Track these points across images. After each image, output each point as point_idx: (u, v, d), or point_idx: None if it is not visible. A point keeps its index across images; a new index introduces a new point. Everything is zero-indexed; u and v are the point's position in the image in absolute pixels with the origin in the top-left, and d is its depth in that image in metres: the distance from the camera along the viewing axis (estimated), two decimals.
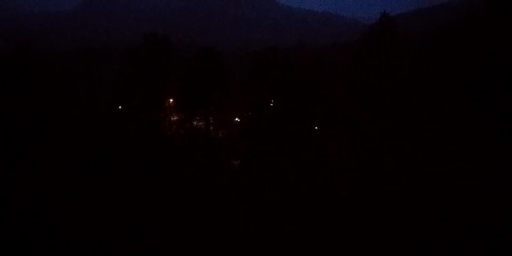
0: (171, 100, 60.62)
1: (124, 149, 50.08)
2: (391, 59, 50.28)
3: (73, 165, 46.67)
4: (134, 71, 56.90)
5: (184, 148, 53.72)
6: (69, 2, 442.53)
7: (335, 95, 52.84)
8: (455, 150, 42.85)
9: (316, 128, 52.61)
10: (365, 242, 32.06)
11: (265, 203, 39.39)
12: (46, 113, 53.96)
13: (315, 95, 52.18)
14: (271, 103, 56.06)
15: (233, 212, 37.58)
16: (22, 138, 50.03)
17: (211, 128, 57.66)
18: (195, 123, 58.69)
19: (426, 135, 47.35)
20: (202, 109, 56.69)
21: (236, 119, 58.85)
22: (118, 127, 55.08)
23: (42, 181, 42.37)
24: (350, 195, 40.40)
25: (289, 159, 48.24)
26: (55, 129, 52.08)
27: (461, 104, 45.60)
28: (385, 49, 50.37)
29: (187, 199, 40.77)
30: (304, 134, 50.12)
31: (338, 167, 45.77)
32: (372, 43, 52.58)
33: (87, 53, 76.97)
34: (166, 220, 35.91)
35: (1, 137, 49.46)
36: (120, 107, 58.02)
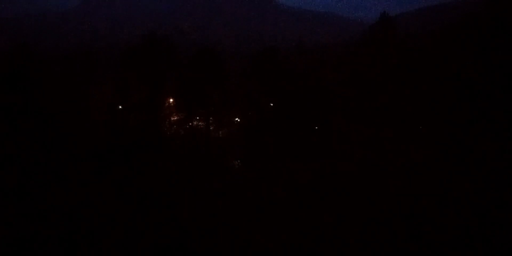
0: (171, 100, 60.66)
1: (124, 149, 50.07)
2: (391, 59, 50.31)
3: (73, 165, 46.67)
4: (134, 71, 56.96)
5: (184, 148, 53.71)
6: (69, 2, 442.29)
7: (335, 95, 52.83)
8: (455, 149, 42.88)
9: (316, 128, 52.61)
10: (367, 242, 32.10)
11: (266, 203, 39.38)
12: (45, 113, 53.98)
13: (315, 95, 52.15)
14: (271, 103, 56.03)
15: (234, 212, 37.57)
16: (21, 138, 50.04)
17: (211, 128, 57.63)
18: (195, 123, 58.69)
19: (426, 134, 47.38)
20: (202, 109, 56.69)
21: (236, 119, 58.83)
22: (118, 127, 55.11)
23: (40, 181, 42.38)
24: (351, 194, 40.43)
25: (289, 159, 48.23)
26: (55, 129, 52.10)
27: (461, 103, 45.60)
28: (385, 49, 50.40)
29: (187, 199, 40.74)
30: (304, 134, 50.11)
31: (339, 166, 45.80)
32: (372, 43, 52.61)
33: (87, 53, 76.94)
34: (167, 220, 35.90)
35: (1, 137, 49.52)
36: (120, 107, 58.02)
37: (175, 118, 59.43)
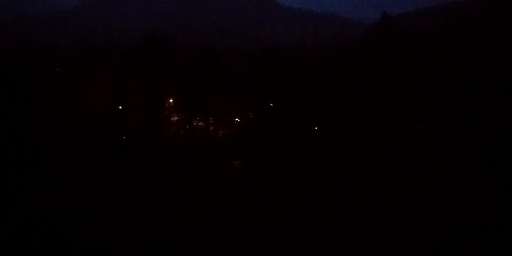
0: (171, 100, 60.61)
1: (123, 149, 50.03)
2: (391, 59, 50.23)
3: (73, 165, 46.59)
4: (134, 71, 56.90)
5: (184, 149, 53.65)
6: (69, 2, 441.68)
7: (335, 95, 52.76)
8: (456, 149, 42.83)
9: (316, 128, 52.55)
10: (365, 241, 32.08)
11: (266, 203, 39.36)
12: (45, 113, 53.89)
13: (315, 95, 52.08)
14: (271, 103, 55.97)
15: (234, 212, 37.55)
16: (21, 138, 49.97)
17: (211, 128, 57.58)
18: (195, 123, 58.63)
19: (427, 134, 47.31)
20: (202, 110, 56.64)
21: (236, 119, 58.76)
22: (117, 127, 55.04)
23: (40, 181, 42.29)
24: (351, 194, 40.41)
25: (289, 159, 48.15)
26: (55, 129, 52.03)
27: (461, 103, 45.56)
28: (386, 49, 50.33)
29: (188, 199, 40.69)
30: (304, 134, 50.04)
31: (339, 167, 45.75)
32: (372, 43, 52.55)
33: (87, 53, 76.83)
34: (167, 221, 35.87)
35: (1, 137, 49.44)
36: (120, 107, 57.97)
37: (175, 119, 59.38)
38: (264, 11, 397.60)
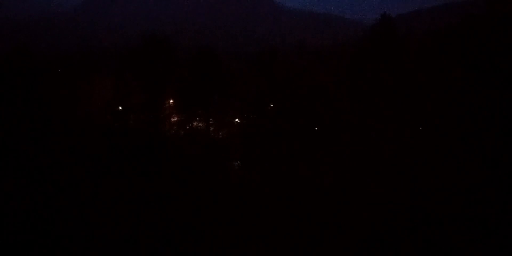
0: (171, 101, 60.60)
1: (124, 149, 50.02)
2: (391, 60, 50.25)
3: (73, 165, 46.60)
4: (134, 71, 56.91)
5: (184, 149, 53.66)
6: (69, 2, 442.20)
7: (335, 96, 52.75)
8: (457, 150, 42.82)
9: (316, 129, 52.52)
10: (364, 241, 32.09)
11: (266, 203, 39.39)
12: (45, 114, 53.93)
13: (315, 96, 52.08)
14: (271, 104, 55.93)
15: (234, 213, 37.56)
16: (21, 138, 49.99)
17: (211, 129, 57.59)
18: (195, 124, 58.65)
19: (428, 134, 47.32)
20: (202, 110, 56.66)
21: (236, 120, 58.76)
22: (118, 128, 55.07)
23: (41, 182, 42.31)
24: (351, 194, 40.44)
25: (289, 160, 48.16)
26: (55, 130, 52.06)
27: (461, 103, 45.56)
28: (386, 50, 50.36)
29: (187, 200, 40.71)
30: (304, 135, 50.02)
31: (340, 168, 45.75)
32: (372, 44, 52.57)
33: (86, 53, 76.91)
34: (166, 222, 35.87)
35: (1, 138, 49.47)
36: (120, 108, 57.95)
37: (175, 119, 59.37)
38: (264, 12, 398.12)
